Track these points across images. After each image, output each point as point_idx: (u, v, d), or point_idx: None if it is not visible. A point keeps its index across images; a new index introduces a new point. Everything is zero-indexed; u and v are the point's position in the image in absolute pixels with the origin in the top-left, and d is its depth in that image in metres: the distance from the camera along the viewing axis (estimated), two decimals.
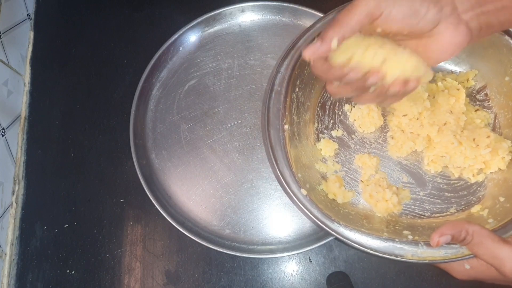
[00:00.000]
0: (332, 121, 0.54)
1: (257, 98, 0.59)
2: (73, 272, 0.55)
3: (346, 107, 0.55)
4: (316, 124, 0.54)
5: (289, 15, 0.61)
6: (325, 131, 0.54)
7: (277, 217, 0.54)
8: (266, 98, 0.50)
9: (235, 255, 0.53)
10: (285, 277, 0.54)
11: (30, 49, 0.65)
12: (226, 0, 0.61)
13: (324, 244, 0.52)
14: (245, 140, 0.57)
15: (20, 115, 0.62)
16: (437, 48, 0.34)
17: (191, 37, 0.61)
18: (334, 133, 0.54)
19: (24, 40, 0.65)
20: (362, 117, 0.53)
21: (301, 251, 0.51)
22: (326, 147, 0.52)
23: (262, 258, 0.54)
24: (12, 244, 0.56)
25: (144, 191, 0.54)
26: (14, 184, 0.59)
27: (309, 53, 0.34)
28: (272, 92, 0.49)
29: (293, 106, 0.50)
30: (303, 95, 0.52)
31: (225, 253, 0.52)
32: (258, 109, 0.58)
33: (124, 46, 0.64)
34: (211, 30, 0.62)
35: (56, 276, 0.55)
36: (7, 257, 0.55)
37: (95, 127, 0.61)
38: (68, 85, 0.63)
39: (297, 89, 0.51)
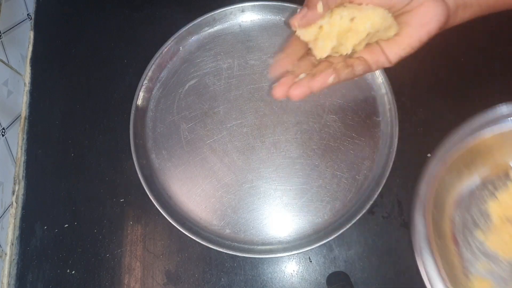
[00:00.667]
0: (469, 253, 0.49)
1: (257, 98, 0.59)
2: (73, 272, 0.55)
3: (477, 232, 0.50)
4: (458, 258, 0.49)
5: (289, 15, 0.61)
6: (469, 266, 0.49)
7: (277, 217, 0.54)
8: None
9: (235, 255, 0.53)
10: (285, 277, 0.54)
11: (30, 49, 0.65)
12: (226, 0, 0.61)
13: (324, 244, 0.52)
14: (245, 140, 0.57)
15: (20, 115, 0.62)
16: (417, 21, 0.34)
17: (191, 37, 0.61)
18: (479, 266, 0.48)
19: (24, 40, 0.65)
20: (504, 243, 0.48)
21: (301, 251, 0.51)
22: (480, 286, 0.47)
23: (262, 258, 0.54)
24: (12, 244, 0.56)
25: (144, 191, 0.54)
26: (14, 184, 0.59)
27: (297, 21, 0.35)
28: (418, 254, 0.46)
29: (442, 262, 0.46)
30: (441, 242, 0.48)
31: (225, 253, 0.52)
32: (258, 109, 0.58)
33: (124, 46, 0.64)
34: (211, 30, 0.62)
35: (56, 276, 0.55)
36: (7, 257, 0.55)
37: (95, 127, 0.61)
38: (68, 85, 0.63)
39: (436, 243, 0.46)
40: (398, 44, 0.36)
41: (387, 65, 0.38)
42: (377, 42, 0.38)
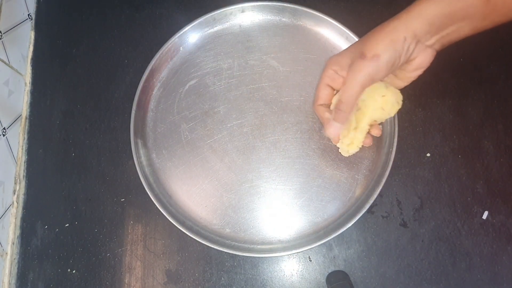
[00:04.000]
0: None
1: (257, 98, 0.59)
2: (74, 271, 0.55)
3: None
4: None
5: (289, 15, 0.61)
6: None
7: (277, 217, 0.55)
8: None
9: (235, 254, 0.54)
10: (285, 276, 0.54)
11: (31, 49, 0.65)
12: (226, 0, 0.61)
13: (324, 243, 0.52)
14: (245, 139, 0.58)
15: (21, 115, 0.62)
16: (413, 68, 0.45)
17: (192, 37, 0.62)
18: None
19: (25, 40, 0.65)
20: None
21: (301, 250, 0.52)
22: None
23: (262, 257, 0.54)
24: (13, 243, 0.57)
25: (145, 190, 0.54)
26: (15, 183, 0.59)
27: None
28: None
29: None
30: None
31: (225, 252, 0.52)
32: (258, 109, 0.59)
33: (124, 46, 0.64)
34: (212, 30, 0.62)
35: (57, 275, 0.55)
36: (8, 256, 0.56)
37: (96, 126, 0.61)
38: (68, 85, 0.63)
39: None
40: (403, 81, 0.48)
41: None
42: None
